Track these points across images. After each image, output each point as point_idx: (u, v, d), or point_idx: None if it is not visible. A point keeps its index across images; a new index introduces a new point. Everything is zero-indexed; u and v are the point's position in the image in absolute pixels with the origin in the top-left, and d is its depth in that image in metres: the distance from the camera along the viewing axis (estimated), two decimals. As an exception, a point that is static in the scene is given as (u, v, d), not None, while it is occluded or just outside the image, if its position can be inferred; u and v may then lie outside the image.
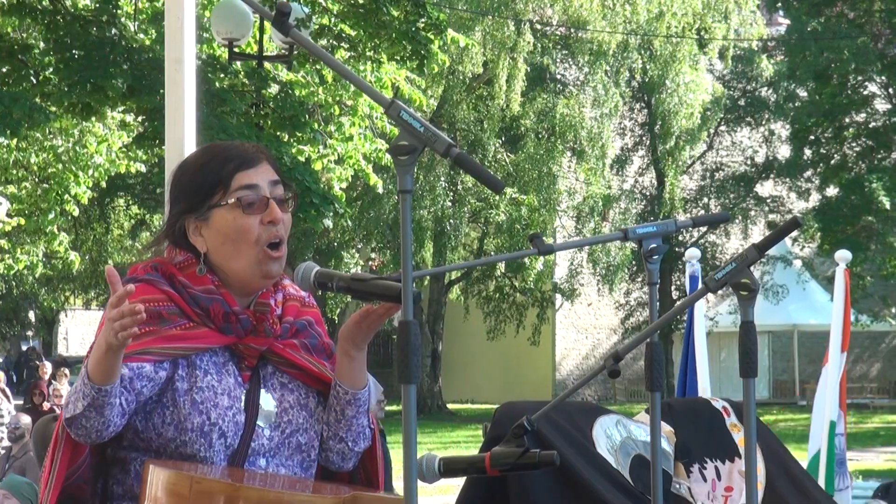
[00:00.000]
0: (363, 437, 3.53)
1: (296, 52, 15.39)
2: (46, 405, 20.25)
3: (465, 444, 27.30)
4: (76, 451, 3.33)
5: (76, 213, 19.51)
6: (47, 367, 25.21)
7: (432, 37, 16.11)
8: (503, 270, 38.74)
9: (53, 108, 15.04)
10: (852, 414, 31.64)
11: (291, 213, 3.51)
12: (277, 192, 3.46)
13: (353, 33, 16.46)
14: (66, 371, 25.05)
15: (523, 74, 36.02)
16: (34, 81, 15.46)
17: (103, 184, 20.11)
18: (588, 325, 46.73)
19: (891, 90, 35.60)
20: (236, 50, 14.98)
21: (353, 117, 17.72)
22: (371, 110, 18.16)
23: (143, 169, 19.63)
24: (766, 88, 41.68)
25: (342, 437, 3.50)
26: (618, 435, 5.51)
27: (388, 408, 12.51)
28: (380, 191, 20.60)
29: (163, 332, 3.34)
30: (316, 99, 17.09)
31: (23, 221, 19.46)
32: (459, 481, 4.72)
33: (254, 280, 3.45)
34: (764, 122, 42.13)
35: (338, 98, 17.64)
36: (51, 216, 18.47)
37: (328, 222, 16.26)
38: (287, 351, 3.47)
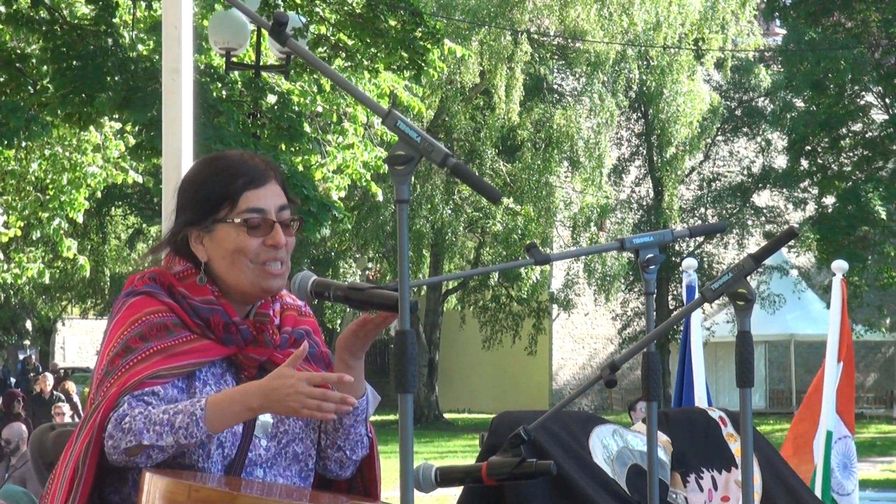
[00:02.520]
0: (361, 446, 3.53)
1: (293, 62, 15.40)
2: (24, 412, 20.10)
3: (462, 453, 27.29)
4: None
5: (80, 220, 19.47)
6: (49, 380, 24.76)
7: (429, 45, 16.12)
8: (500, 280, 38.75)
9: (49, 118, 15.01)
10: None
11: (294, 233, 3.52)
12: (284, 216, 3.46)
13: (350, 42, 16.46)
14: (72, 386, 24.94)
15: (521, 84, 36.06)
16: (31, 91, 15.44)
17: (99, 193, 20.06)
18: (585, 334, 46.72)
19: (888, 100, 35.61)
20: (234, 60, 14.98)
21: (354, 124, 17.72)
22: (369, 118, 18.18)
23: (139, 179, 19.61)
24: (762, 98, 41.73)
25: (340, 445, 3.50)
26: (614, 445, 5.51)
27: (384, 417, 12.48)
28: (380, 199, 20.61)
29: (168, 350, 3.34)
30: (314, 108, 17.10)
31: (18, 232, 19.43)
32: (456, 491, 4.72)
33: (252, 292, 3.45)
34: (761, 133, 42.17)
35: (336, 106, 17.64)
36: (55, 223, 18.43)
37: (326, 231, 16.24)
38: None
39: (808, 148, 35.96)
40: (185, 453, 3.30)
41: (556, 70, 39.63)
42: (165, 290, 3.43)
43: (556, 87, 39.69)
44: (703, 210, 42.21)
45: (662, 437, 5.60)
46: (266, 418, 3.41)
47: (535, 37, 37.50)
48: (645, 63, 38.13)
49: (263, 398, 3.20)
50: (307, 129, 16.11)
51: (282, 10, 15.48)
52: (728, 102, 41.62)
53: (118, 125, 16.91)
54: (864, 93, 35.84)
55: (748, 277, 3.55)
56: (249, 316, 3.47)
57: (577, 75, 38.76)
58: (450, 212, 36.67)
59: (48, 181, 18.62)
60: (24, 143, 15.85)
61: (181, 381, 3.35)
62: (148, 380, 3.28)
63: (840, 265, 8.93)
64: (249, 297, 3.46)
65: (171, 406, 3.24)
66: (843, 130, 35.63)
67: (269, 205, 3.44)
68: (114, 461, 3.26)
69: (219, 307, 3.42)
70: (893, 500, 17.65)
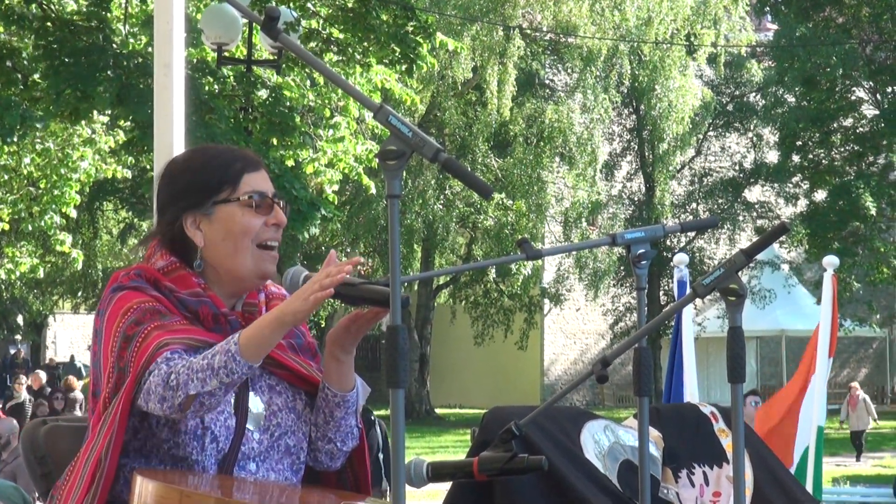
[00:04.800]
0: (351, 437, 3.55)
1: (285, 56, 15.37)
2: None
3: (453, 448, 27.31)
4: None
5: (73, 215, 19.45)
6: (41, 377, 24.67)
7: (421, 40, 16.11)
8: (491, 275, 38.72)
9: (41, 113, 14.98)
10: (838, 419, 31.64)
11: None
12: (278, 201, 3.54)
13: (341, 37, 16.45)
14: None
15: (513, 80, 36.03)
16: (22, 86, 15.40)
17: (87, 188, 20.04)
18: (576, 330, 46.72)
19: (878, 96, 35.64)
20: (225, 54, 14.96)
21: (346, 117, 17.71)
22: (361, 112, 18.17)
23: (129, 175, 19.60)
24: (754, 94, 41.73)
25: (331, 437, 3.52)
26: (606, 440, 5.51)
27: (375, 412, 12.49)
28: (373, 192, 20.64)
29: (167, 327, 3.34)
30: (305, 102, 17.09)
31: (6, 227, 19.42)
32: (448, 486, 4.73)
33: (249, 278, 3.47)
34: (752, 128, 42.18)
35: (328, 101, 17.63)
36: (47, 217, 18.41)
37: (314, 230, 16.23)
38: (275, 351, 3.46)
39: (800, 143, 35.98)
40: (180, 446, 3.31)
41: (548, 65, 39.62)
42: (151, 284, 3.43)
43: (548, 82, 39.68)
44: (694, 205, 42.22)
45: (654, 433, 5.60)
46: (258, 410, 3.41)
47: (528, 32, 37.48)
48: (637, 58, 38.11)
49: (288, 305, 3.25)
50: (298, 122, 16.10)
51: (273, 4, 15.45)
52: (720, 98, 41.61)
53: (108, 119, 16.89)
54: (855, 88, 35.86)
55: (739, 273, 3.55)
56: (236, 308, 3.49)
57: (569, 71, 38.75)
58: (441, 207, 36.65)
59: (40, 175, 18.59)
60: (16, 139, 15.82)
61: (190, 354, 3.34)
62: (157, 350, 3.28)
63: (831, 261, 8.95)
64: (243, 284, 3.48)
65: (209, 351, 3.25)
66: (834, 126, 35.64)
67: (267, 188, 3.51)
68: (169, 416, 3.27)
69: (206, 299, 3.43)
70: (884, 497, 17.63)
